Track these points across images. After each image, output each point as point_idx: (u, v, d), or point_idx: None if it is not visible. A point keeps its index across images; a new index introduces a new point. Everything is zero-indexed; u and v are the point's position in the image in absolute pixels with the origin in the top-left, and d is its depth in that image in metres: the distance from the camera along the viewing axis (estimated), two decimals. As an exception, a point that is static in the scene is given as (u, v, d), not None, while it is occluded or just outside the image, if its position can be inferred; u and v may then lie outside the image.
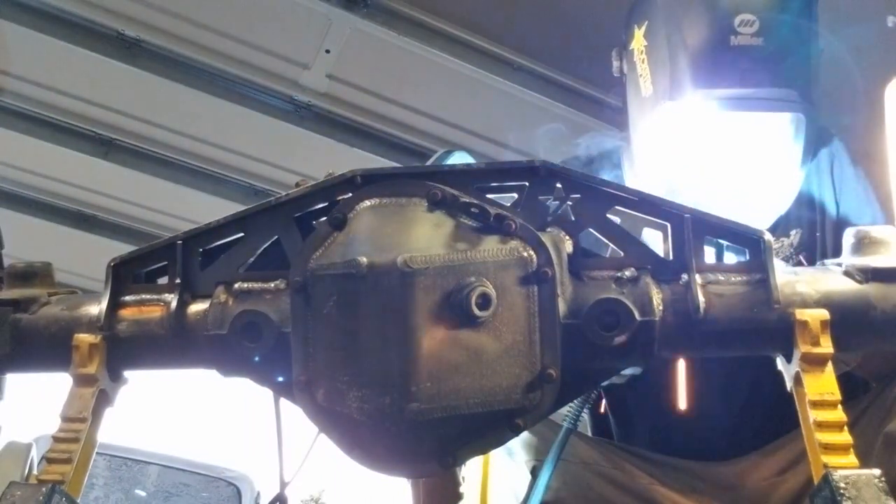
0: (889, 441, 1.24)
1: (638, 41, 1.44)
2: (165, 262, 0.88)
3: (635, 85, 1.45)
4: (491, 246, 0.77)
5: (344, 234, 0.80)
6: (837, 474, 0.72)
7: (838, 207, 1.48)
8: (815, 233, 1.47)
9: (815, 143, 1.39)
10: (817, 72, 1.35)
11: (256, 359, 0.81)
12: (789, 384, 0.81)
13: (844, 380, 0.80)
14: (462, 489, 1.12)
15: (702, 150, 1.38)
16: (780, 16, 1.33)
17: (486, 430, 0.79)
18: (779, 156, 1.37)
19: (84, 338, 0.85)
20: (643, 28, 1.43)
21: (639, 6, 1.46)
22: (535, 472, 1.23)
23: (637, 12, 1.46)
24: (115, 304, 0.86)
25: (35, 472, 1.44)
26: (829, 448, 0.74)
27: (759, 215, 1.36)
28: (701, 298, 0.79)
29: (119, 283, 0.87)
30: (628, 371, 0.95)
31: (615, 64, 1.52)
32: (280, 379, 0.82)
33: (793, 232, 1.46)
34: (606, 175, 1.46)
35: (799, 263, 1.43)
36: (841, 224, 1.45)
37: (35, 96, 2.65)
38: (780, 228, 1.45)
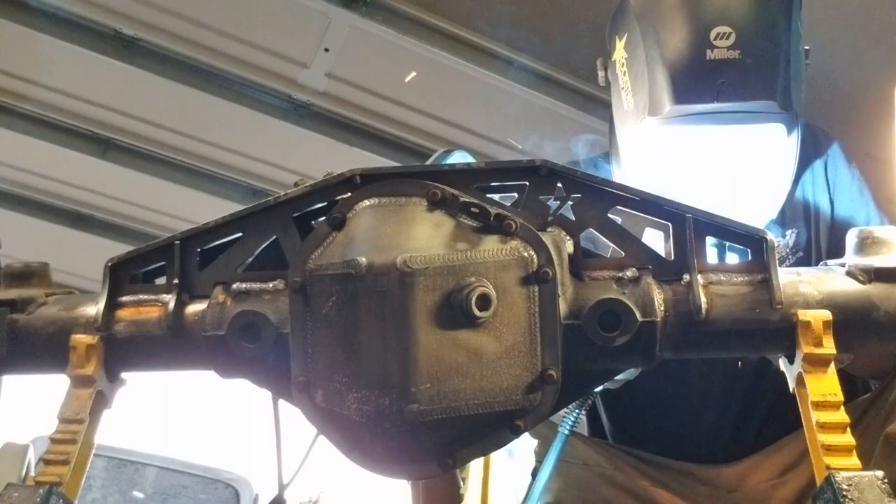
0: (889, 443, 1.24)
1: (619, 53, 1.43)
2: (163, 263, 0.87)
3: (618, 96, 1.44)
4: (491, 246, 0.77)
5: (343, 234, 0.79)
6: (840, 476, 0.72)
7: (833, 207, 1.48)
8: (811, 233, 1.47)
9: (803, 145, 1.39)
10: (799, 77, 1.34)
11: (255, 360, 0.81)
12: (791, 385, 0.80)
13: (845, 380, 0.80)
14: (462, 491, 1.11)
15: (684, 162, 1.37)
16: (757, 26, 1.31)
17: (486, 432, 0.78)
18: (763, 165, 1.37)
19: (81, 338, 0.84)
20: (623, 40, 1.42)
21: (619, 17, 1.45)
22: (535, 474, 1.23)
23: (618, 23, 1.45)
24: (112, 305, 0.86)
25: (32, 473, 1.44)
26: (831, 449, 0.74)
27: (748, 222, 1.36)
28: (703, 299, 0.79)
29: (116, 283, 0.87)
30: (622, 376, 0.94)
31: (600, 74, 1.51)
32: (278, 380, 0.81)
33: (788, 232, 1.46)
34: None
35: (795, 264, 1.43)
36: (836, 224, 1.45)
37: (31, 95, 2.64)
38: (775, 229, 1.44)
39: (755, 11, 1.34)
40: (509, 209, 0.80)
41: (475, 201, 0.79)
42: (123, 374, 0.88)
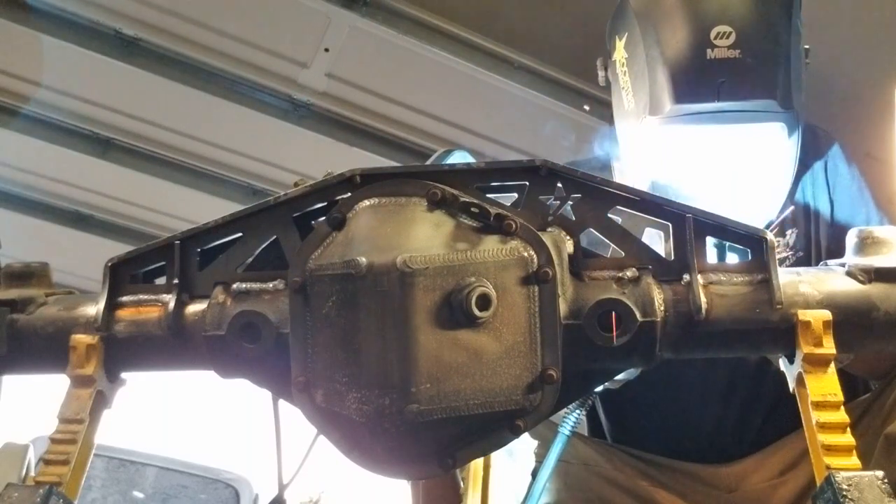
0: (889, 443, 1.24)
1: (619, 52, 1.43)
2: (163, 263, 0.87)
3: (618, 96, 1.44)
4: (491, 246, 0.77)
5: (343, 234, 0.79)
6: (840, 476, 0.72)
7: (833, 207, 1.48)
8: (811, 232, 1.47)
9: (803, 147, 1.39)
10: (799, 76, 1.34)
11: (255, 360, 0.81)
12: (791, 385, 0.80)
13: (845, 380, 0.80)
14: (462, 491, 1.11)
15: (685, 162, 1.37)
16: (757, 25, 1.31)
17: (486, 432, 0.78)
18: (763, 164, 1.37)
19: (81, 338, 0.84)
20: (623, 39, 1.42)
21: (619, 17, 1.45)
22: (535, 474, 1.23)
23: (618, 23, 1.45)
24: (112, 305, 0.86)
25: (32, 473, 1.44)
26: (831, 449, 0.74)
27: (748, 222, 1.36)
28: (703, 299, 0.79)
29: (116, 283, 0.87)
30: (622, 376, 0.94)
31: (600, 74, 1.51)
32: (278, 380, 0.81)
33: (788, 231, 1.46)
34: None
35: (795, 263, 1.43)
36: (835, 223, 1.45)
37: (32, 95, 2.64)
38: (775, 228, 1.45)
39: (755, 10, 1.34)
40: (509, 209, 0.80)
41: (475, 201, 0.79)
42: (123, 374, 0.87)
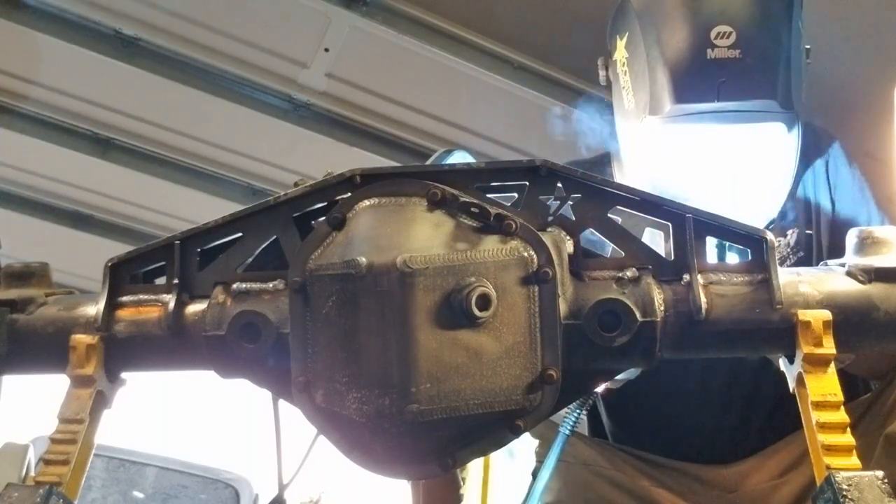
0: (889, 443, 1.24)
1: (620, 52, 1.43)
2: (163, 263, 0.87)
3: (619, 96, 1.44)
4: (491, 246, 0.77)
5: (343, 234, 0.79)
6: (840, 476, 0.72)
7: (834, 207, 1.48)
8: (812, 233, 1.47)
9: (804, 146, 1.39)
10: (799, 76, 1.34)
11: (255, 360, 0.81)
12: (791, 385, 0.80)
13: (845, 380, 0.80)
14: (462, 491, 1.11)
15: (685, 161, 1.37)
16: (758, 25, 1.31)
17: (486, 432, 0.78)
18: (764, 164, 1.37)
19: (81, 338, 0.84)
20: (624, 39, 1.42)
21: (620, 17, 1.45)
22: (535, 474, 1.23)
23: (619, 23, 1.46)
24: (112, 305, 0.86)
25: (32, 473, 1.44)
26: (831, 449, 0.74)
27: (749, 221, 1.36)
28: (703, 299, 0.79)
29: (116, 283, 0.87)
30: (623, 376, 0.94)
31: (601, 73, 1.51)
32: (278, 380, 0.81)
33: (789, 231, 1.46)
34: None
35: (795, 263, 1.43)
36: (837, 223, 1.45)
37: (31, 95, 2.64)
38: (776, 228, 1.45)
39: (756, 10, 1.34)
40: (509, 209, 0.80)
41: (475, 201, 0.79)
42: (123, 374, 0.88)
